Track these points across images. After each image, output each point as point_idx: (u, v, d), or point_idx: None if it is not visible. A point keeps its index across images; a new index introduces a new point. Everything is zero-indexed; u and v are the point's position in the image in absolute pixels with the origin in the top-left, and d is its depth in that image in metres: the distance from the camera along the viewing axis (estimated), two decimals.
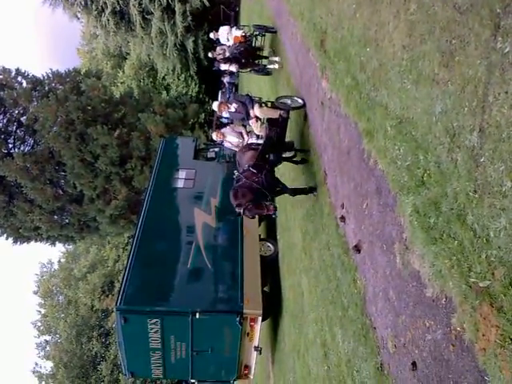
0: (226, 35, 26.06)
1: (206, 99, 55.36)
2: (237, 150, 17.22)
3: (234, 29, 26.09)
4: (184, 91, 54.99)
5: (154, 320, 16.72)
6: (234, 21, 50.31)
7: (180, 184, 23.26)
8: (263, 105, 17.14)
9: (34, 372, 70.51)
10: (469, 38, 5.33)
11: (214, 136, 18.33)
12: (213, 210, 21.34)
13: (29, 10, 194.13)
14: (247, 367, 18.33)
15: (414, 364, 6.60)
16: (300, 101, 15.95)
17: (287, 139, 16.04)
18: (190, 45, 47.99)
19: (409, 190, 6.71)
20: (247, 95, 17.53)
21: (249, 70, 24.06)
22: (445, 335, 5.74)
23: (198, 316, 16.56)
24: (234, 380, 19.21)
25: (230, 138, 18.24)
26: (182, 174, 23.77)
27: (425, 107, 6.34)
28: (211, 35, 28.04)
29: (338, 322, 10.26)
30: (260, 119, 16.91)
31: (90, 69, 64.74)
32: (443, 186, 5.75)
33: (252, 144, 16.27)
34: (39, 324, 74.63)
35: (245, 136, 18.26)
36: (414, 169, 6.59)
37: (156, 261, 18.78)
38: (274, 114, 15.78)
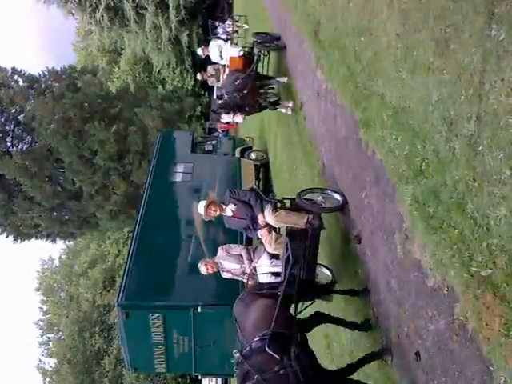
0: (218, 52, 20.32)
1: (202, 92, 55.34)
2: (245, 279, 11.86)
3: (228, 44, 20.67)
4: (180, 85, 55.01)
5: (156, 315, 16.69)
6: (227, 12, 50.21)
7: (178, 178, 23.20)
8: (278, 207, 11.00)
9: (38, 368, 70.64)
10: (463, 26, 5.29)
11: (203, 269, 12.50)
12: None
13: (23, 8, 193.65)
14: None
15: (417, 354, 6.58)
16: (337, 197, 10.46)
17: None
18: (184, 38, 47.96)
19: (408, 179, 6.68)
20: (252, 190, 11.56)
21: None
22: (448, 325, 5.72)
23: (199, 310, 16.53)
24: None
25: (228, 265, 12.07)
26: (179, 167, 23.70)
27: (421, 96, 6.31)
28: (199, 52, 22.07)
29: (341, 312, 10.25)
30: (275, 229, 11.26)
31: (85, 65, 64.71)
32: (442, 174, 5.72)
33: (261, 286, 10.29)
34: (41, 323, 74.65)
35: (245, 260, 11.79)
36: (412, 158, 6.56)
37: (156, 255, 18.74)
38: (298, 220, 10.08)
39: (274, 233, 11.17)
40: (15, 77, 47.86)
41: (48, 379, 70.02)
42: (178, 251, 18.90)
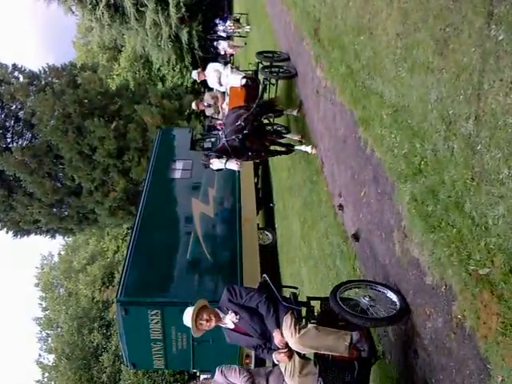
0: (217, 78, 17.24)
1: (202, 89, 55.33)
2: None
3: (228, 69, 17.06)
4: (179, 82, 55.03)
5: (155, 311, 16.72)
6: (227, 10, 50.18)
7: (177, 175, 23.24)
8: (303, 316, 7.74)
9: (37, 363, 70.68)
10: (462, 26, 5.31)
11: None
12: (210, 199, 21.30)
13: (23, 4, 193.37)
14: (248, 356, 18.33)
15: (415, 352, 6.61)
16: (392, 296, 7.14)
17: None
18: (184, 36, 47.91)
19: (406, 178, 6.70)
20: (261, 288, 7.88)
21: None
22: (446, 323, 5.75)
23: None
24: None
25: None
26: (179, 164, 23.74)
27: (420, 95, 6.33)
28: (194, 75, 18.43)
29: None
30: (300, 355, 7.58)
31: (85, 62, 64.67)
32: (440, 173, 5.74)
33: None
34: (41, 319, 74.69)
35: None
36: (410, 157, 6.58)
37: (155, 252, 18.78)
38: (335, 343, 6.91)
39: (297, 358, 7.52)
40: (15, 73, 47.83)
41: (47, 374, 70.07)
42: (177, 248, 18.95)
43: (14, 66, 47.70)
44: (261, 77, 16.22)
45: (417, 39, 6.46)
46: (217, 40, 40.32)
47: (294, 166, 16.17)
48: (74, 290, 71.84)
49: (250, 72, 17.76)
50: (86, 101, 42.88)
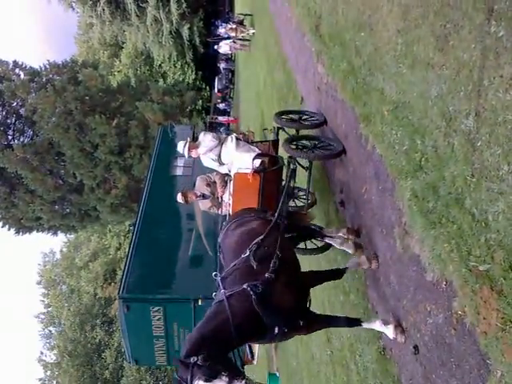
0: (215, 155, 10.85)
1: (203, 86, 55.39)
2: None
3: (231, 141, 10.64)
4: (181, 78, 55.10)
5: (157, 308, 16.76)
6: (228, 6, 50.21)
7: (179, 171, 23.27)
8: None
9: (39, 361, 70.83)
10: (462, 22, 5.32)
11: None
12: None
13: (24, 1, 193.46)
14: (250, 352, 18.36)
15: (415, 348, 6.62)
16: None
17: None
18: (185, 32, 48.00)
19: (407, 174, 6.71)
20: None
21: None
22: (446, 319, 5.76)
23: (200, 303, 16.58)
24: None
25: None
26: (180, 161, 23.74)
27: (421, 91, 6.34)
28: (179, 148, 11.16)
29: (340, 307, 10.28)
30: None
31: (86, 59, 64.73)
32: (441, 170, 5.75)
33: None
34: (43, 316, 74.83)
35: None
36: (411, 153, 6.58)
37: (157, 248, 18.81)
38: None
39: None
40: (16, 70, 48.00)
41: (49, 372, 70.19)
42: (179, 244, 18.99)
43: (15, 63, 47.84)
44: (283, 158, 10.64)
45: (417, 35, 6.47)
46: (217, 43, 39.96)
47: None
48: (77, 287, 72.06)
49: (266, 142, 11.72)
50: (87, 98, 43.04)
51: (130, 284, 17.09)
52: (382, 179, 7.78)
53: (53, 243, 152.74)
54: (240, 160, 10.22)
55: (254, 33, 33.36)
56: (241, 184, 9.93)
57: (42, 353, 71.39)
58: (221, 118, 51.30)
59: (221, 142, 10.77)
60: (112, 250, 73.38)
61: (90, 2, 45.32)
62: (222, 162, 10.93)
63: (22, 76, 47.48)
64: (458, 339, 5.49)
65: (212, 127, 48.03)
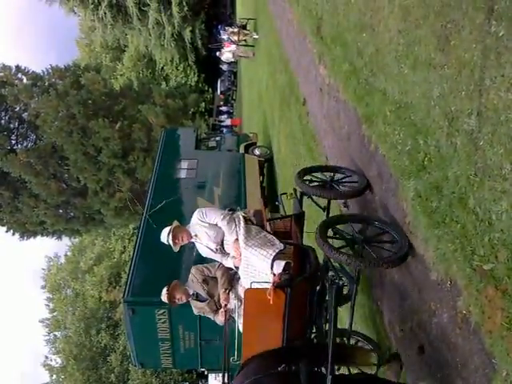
0: (213, 243, 8.18)
1: (206, 88, 55.47)
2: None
3: (238, 223, 7.49)
4: (183, 81, 55.21)
5: (162, 310, 16.72)
6: (230, 8, 50.25)
7: (182, 174, 23.22)
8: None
9: (44, 365, 70.74)
10: (463, 22, 5.33)
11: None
12: (216, 199, 21.28)
13: (25, 5, 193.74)
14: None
15: (421, 348, 6.62)
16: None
17: None
18: (187, 35, 48.08)
19: (410, 174, 6.71)
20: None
21: None
22: (451, 318, 5.76)
23: None
24: None
25: None
26: (184, 164, 23.72)
27: (423, 92, 6.34)
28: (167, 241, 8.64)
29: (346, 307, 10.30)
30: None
31: (89, 62, 64.82)
32: (444, 169, 5.76)
33: None
34: (48, 321, 74.74)
35: None
36: (414, 153, 6.59)
37: (162, 251, 18.72)
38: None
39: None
40: (19, 75, 48.02)
41: (55, 376, 70.14)
42: (184, 248, 18.96)
43: (18, 68, 47.89)
44: (317, 259, 7.03)
45: (418, 36, 6.48)
46: (219, 49, 39.44)
47: (298, 164, 16.13)
48: (81, 291, 71.97)
49: (288, 218, 8.47)
50: (89, 101, 43.06)
51: (134, 287, 17.06)
52: (385, 179, 7.79)
53: (57, 247, 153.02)
54: (253, 262, 6.98)
55: (256, 38, 33.07)
56: (255, 306, 6.46)
57: (46, 357, 71.34)
58: (223, 118, 51.47)
59: (219, 225, 7.89)
60: (116, 254, 73.32)
61: (92, 6, 45.40)
62: (225, 251, 8.10)
63: (25, 80, 47.54)
64: (463, 338, 5.49)
65: (215, 129, 48.09)
